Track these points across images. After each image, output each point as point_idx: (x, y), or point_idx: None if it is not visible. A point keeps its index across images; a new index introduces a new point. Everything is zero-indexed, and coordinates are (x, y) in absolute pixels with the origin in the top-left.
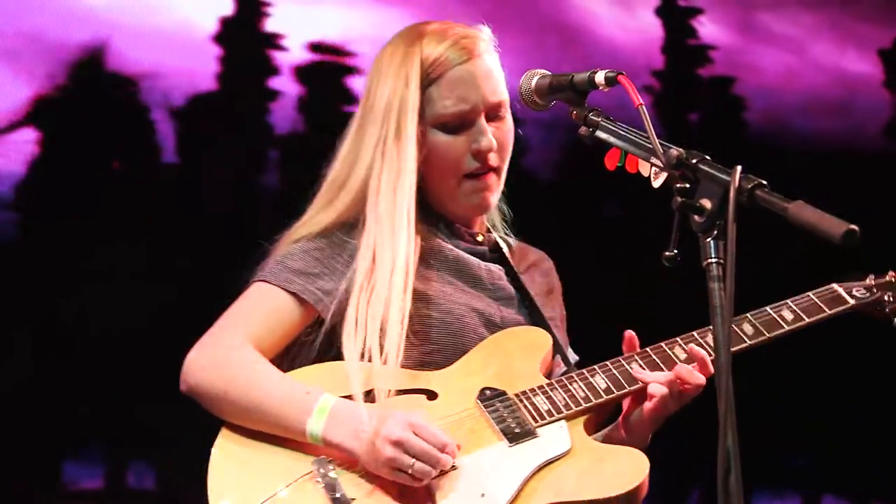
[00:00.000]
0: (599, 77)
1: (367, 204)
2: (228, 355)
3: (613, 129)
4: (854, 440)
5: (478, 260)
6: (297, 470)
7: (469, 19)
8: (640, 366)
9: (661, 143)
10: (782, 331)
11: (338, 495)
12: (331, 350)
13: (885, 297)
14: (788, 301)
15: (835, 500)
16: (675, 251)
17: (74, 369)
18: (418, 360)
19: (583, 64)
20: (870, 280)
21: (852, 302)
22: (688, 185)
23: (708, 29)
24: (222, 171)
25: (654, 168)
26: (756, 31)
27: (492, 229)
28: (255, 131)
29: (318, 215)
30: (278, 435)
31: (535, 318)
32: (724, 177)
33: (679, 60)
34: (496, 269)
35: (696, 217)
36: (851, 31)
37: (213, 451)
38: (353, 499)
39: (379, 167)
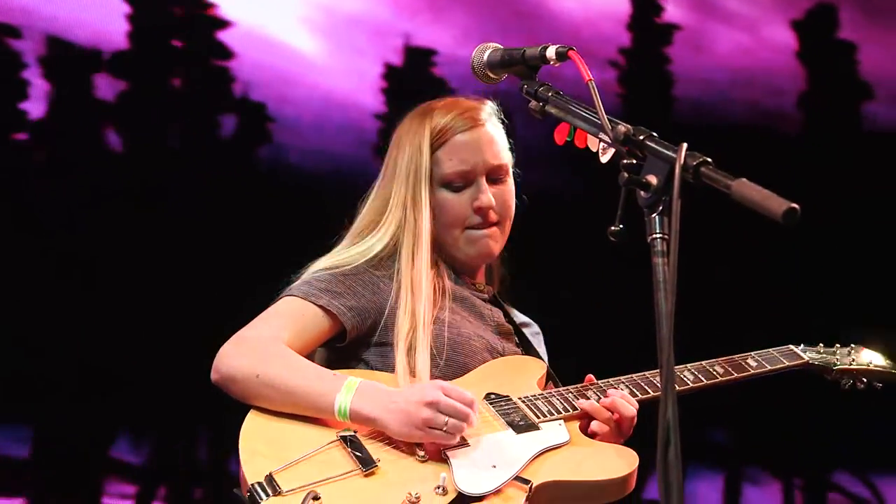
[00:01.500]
0: (550, 52)
1: (398, 264)
2: (261, 344)
3: (563, 104)
4: (775, 418)
5: (481, 301)
6: (323, 440)
7: None
8: (632, 391)
9: (609, 119)
10: (747, 374)
11: (363, 457)
12: (337, 364)
13: (834, 360)
14: (752, 353)
15: (757, 477)
16: (621, 226)
17: None
18: (431, 375)
19: (545, 40)
20: (820, 347)
21: (806, 358)
22: (634, 162)
23: (669, 7)
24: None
25: (602, 144)
26: (713, 10)
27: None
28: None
29: (344, 252)
30: (305, 415)
31: (531, 354)
32: (670, 153)
33: (644, 38)
34: (497, 311)
35: (641, 193)
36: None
37: (244, 425)
38: (378, 459)
39: (403, 232)
